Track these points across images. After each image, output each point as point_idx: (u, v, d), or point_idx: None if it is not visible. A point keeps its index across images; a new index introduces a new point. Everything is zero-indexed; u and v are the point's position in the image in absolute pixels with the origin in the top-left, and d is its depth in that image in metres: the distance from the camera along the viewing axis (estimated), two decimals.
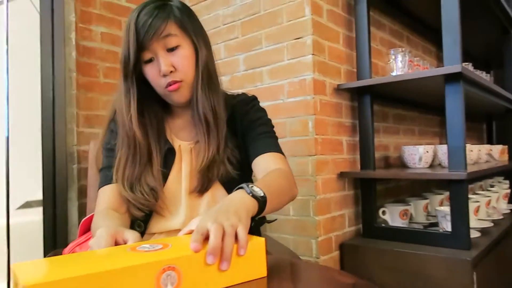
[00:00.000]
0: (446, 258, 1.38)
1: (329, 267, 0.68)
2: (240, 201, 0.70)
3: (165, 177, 0.93)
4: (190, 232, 0.64)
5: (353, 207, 1.74)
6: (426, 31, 2.53)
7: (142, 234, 0.92)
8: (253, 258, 0.61)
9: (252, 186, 0.74)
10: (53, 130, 1.51)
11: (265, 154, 0.94)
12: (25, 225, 1.77)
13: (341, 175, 1.66)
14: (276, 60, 1.67)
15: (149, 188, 0.89)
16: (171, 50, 0.89)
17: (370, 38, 1.73)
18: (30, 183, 1.81)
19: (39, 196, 1.66)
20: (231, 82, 1.81)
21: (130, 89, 0.91)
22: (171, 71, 0.88)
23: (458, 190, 1.43)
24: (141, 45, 0.86)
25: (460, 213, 1.43)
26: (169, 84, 0.89)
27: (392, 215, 1.71)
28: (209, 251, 0.56)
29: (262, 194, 0.73)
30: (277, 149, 0.97)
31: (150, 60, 0.90)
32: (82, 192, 1.55)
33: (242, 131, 0.99)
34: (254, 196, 0.71)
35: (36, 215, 1.73)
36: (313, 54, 1.56)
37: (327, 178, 1.59)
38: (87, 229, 1.01)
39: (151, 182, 0.90)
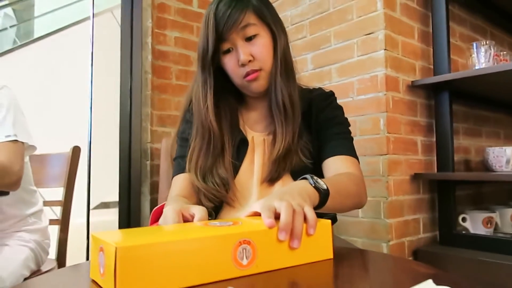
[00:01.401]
0: None
1: (404, 257, 0.62)
2: (303, 188, 0.68)
3: (236, 168, 0.93)
4: (254, 214, 0.63)
5: (428, 212, 1.62)
6: None
7: None
8: (320, 239, 0.60)
9: (316, 178, 0.71)
10: (129, 128, 1.60)
11: (337, 156, 0.90)
12: (100, 223, 1.88)
13: (416, 177, 1.56)
14: (346, 57, 1.62)
15: (220, 179, 0.89)
16: (249, 39, 0.89)
17: (449, 33, 1.62)
18: (105, 185, 1.93)
19: (112, 197, 1.76)
20: (299, 81, 1.78)
21: (207, 80, 0.92)
22: (250, 61, 0.88)
23: None
24: (220, 36, 0.87)
25: None
26: (248, 74, 0.89)
27: (474, 223, 1.56)
28: (281, 227, 0.55)
29: (325, 187, 0.70)
30: (351, 152, 0.93)
31: (228, 51, 0.90)
32: (154, 188, 1.62)
33: (317, 128, 0.95)
34: (316, 187, 0.69)
35: (110, 215, 1.84)
36: (385, 49, 1.49)
37: (400, 179, 1.50)
38: (157, 218, 1.04)
39: (223, 173, 0.89)
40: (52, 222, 1.55)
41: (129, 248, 0.44)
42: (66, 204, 1.60)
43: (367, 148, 1.50)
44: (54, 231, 1.57)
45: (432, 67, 1.67)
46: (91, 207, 1.99)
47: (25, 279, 1.30)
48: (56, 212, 1.64)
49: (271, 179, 0.90)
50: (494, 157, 1.59)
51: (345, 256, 0.62)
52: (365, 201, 0.89)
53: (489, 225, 1.55)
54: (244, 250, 0.52)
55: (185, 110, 1.01)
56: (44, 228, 1.44)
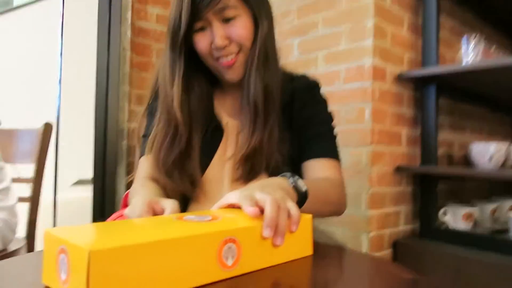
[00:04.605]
0: None
1: (384, 259, 0.59)
2: (282, 184, 0.63)
3: (207, 160, 0.85)
4: (228, 206, 0.58)
5: (409, 204, 1.61)
6: (503, 23, 2.29)
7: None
8: (301, 235, 0.55)
9: (297, 178, 0.66)
10: (105, 107, 1.53)
11: (319, 159, 0.84)
12: (79, 200, 1.80)
13: (398, 169, 1.53)
14: (333, 44, 1.57)
15: (188, 176, 0.81)
16: (227, 20, 0.79)
17: (439, 25, 1.58)
18: (86, 161, 1.86)
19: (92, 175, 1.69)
20: (284, 67, 1.73)
21: (176, 62, 0.81)
22: (226, 46, 0.78)
23: None
24: (194, 14, 0.77)
25: None
26: (222, 58, 0.80)
27: (455, 217, 1.55)
28: (266, 223, 0.50)
29: (304, 189, 0.66)
30: (334, 154, 0.86)
31: (202, 29, 0.80)
32: (130, 169, 1.56)
33: (299, 124, 0.88)
34: (295, 188, 0.64)
35: (89, 193, 1.77)
36: (374, 39, 1.45)
37: (383, 171, 1.47)
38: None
39: (190, 169, 0.81)
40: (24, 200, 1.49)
41: (105, 252, 0.37)
42: (37, 182, 1.53)
43: (351, 139, 1.47)
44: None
45: (420, 59, 1.64)
46: (70, 183, 1.92)
47: None
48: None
49: (245, 180, 0.82)
50: (477, 152, 1.57)
51: (322, 255, 0.57)
52: (344, 209, 0.84)
53: (469, 220, 1.54)
54: (230, 249, 0.46)
55: (155, 82, 0.91)
56: (11, 207, 1.36)
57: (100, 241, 0.40)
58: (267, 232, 0.50)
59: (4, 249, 1.34)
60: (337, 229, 1.48)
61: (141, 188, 0.80)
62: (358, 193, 1.44)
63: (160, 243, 0.41)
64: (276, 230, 0.51)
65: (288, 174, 0.67)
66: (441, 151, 1.78)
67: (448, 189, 1.84)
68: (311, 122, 0.87)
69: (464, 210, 1.54)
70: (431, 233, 1.52)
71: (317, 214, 0.78)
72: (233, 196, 0.57)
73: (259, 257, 0.50)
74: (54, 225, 1.68)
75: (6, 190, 1.36)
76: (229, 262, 0.46)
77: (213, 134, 0.86)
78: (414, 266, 1.44)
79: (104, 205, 1.55)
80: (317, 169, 0.84)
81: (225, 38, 0.78)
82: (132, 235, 0.43)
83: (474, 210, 1.56)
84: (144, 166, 0.87)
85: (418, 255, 1.43)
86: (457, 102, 1.93)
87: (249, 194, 0.54)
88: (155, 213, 0.60)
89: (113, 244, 0.39)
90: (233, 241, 0.47)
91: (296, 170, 0.86)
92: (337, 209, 0.82)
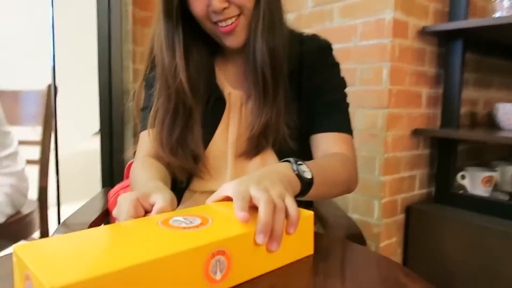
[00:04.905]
0: None
1: (392, 261, 0.54)
2: (284, 174, 0.57)
3: (210, 134, 0.80)
4: (224, 199, 0.54)
5: (426, 167, 1.54)
6: None
7: (184, 190, 0.83)
8: (300, 236, 0.50)
9: (300, 164, 0.61)
10: (109, 67, 1.46)
11: (329, 133, 0.78)
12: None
13: (416, 133, 1.45)
14: None
15: (190, 152, 0.77)
16: None
17: None
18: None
19: None
20: (297, 21, 1.61)
21: (174, 30, 0.74)
22: (225, 8, 0.70)
23: None
24: None
25: None
26: (221, 20, 0.72)
27: (473, 181, 1.48)
28: (260, 228, 0.45)
29: (309, 177, 0.60)
30: (345, 128, 0.80)
31: None
32: (138, 131, 1.53)
33: (307, 93, 0.81)
34: (299, 176, 0.59)
35: None
36: None
37: (399, 134, 1.40)
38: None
39: (192, 145, 0.77)
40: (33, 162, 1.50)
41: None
42: (45, 143, 1.53)
43: (366, 100, 1.38)
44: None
45: (447, 10, 1.49)
46: (92, 133, 1.93)
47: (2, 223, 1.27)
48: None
49: (249, 156, 0.78)
50: (503, 114, 1.47)
51: (327, 253, 0.53)
52: (354, 187, 0.79)
53: (488, 184, 1.48)
54: (218, 263, 0.42)
55: (151, 49, 0.82)
56: (20, 171, 1.37)
57: (62, 271, 0.36)
58: (260, 239, 0.45)
59: (18, 213, 1.36)
60: (349, 195, 1.45)
61: (142, 167, 0.77)
62: (372, 158, 1.38)
63: (135, 267, 0.37)
64: (271, 235, 0.46)
65: (292, 159, 0.62)
66: (463, 109, 1.68)
67: (466, 149, 1.76)
68: (321, 90, 0.81)
69: (483, 173, 1.47)
70: (447, 198, 1.47)
71: (323, 197, 0.73)
72: (229, 188, 0.52)
73: (252, 265, 0.46)
74: (58, 183, 1.69)
75: (14, 155, 1.36)
76: (218, 277, 0.42)
77: (214, 106, 0.81)
78: (427, 233, 1.41)
79: (112, 165, 1.54)
80: (327, 144, 0.78)
81: (223, 0, 0.70)
82: (103, 259, 0.38)
83: (494, 175, 1.48)
84: (146, 142, 0.83)
85: (432, 222, 1.40)
86: (483, 55, 1.78)
87: (244, 190, 0.49)
88: (145, 210, 0.55)
89: (77, 276, 0.34)
90: (222, 253, 0.42)
91: (304, 143, 0.81)
92: (347, 189, 0.78)
